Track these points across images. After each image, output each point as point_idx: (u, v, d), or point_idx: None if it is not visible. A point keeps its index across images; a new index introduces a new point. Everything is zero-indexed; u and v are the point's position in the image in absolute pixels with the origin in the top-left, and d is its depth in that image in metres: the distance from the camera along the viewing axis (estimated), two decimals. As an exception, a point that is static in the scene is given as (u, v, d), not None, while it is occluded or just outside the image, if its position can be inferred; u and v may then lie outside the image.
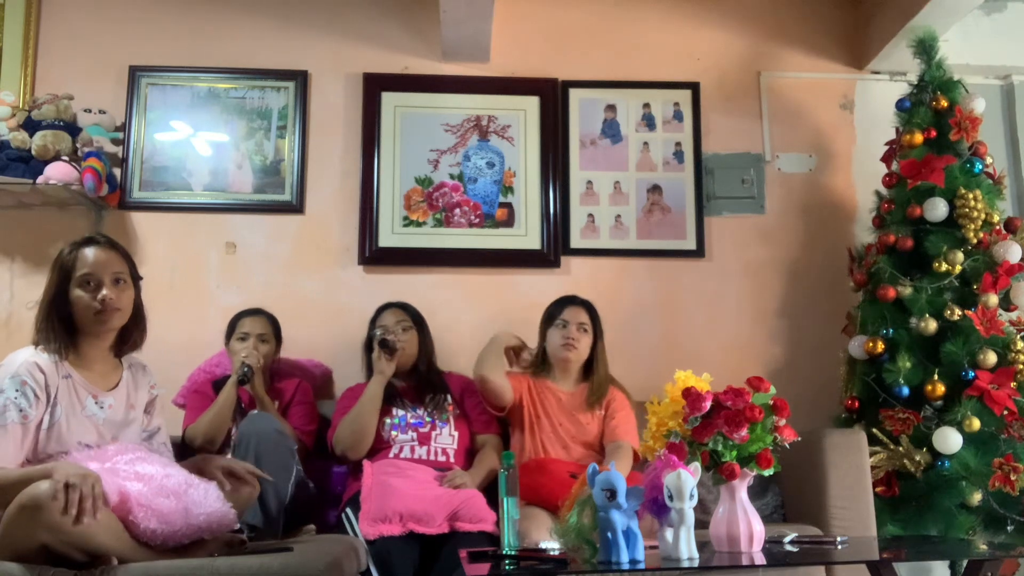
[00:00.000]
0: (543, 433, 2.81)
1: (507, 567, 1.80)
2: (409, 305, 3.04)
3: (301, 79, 3.46)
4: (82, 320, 2.05)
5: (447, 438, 2.82)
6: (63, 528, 1.74)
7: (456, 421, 2.87)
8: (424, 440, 2.79)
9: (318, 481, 2.77)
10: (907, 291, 3.00)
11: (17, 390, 1.93)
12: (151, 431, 2.23)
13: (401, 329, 2.94)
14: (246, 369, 2.77)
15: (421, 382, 2.95)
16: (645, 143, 3.55)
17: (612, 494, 1.66)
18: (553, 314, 2.94)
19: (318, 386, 3.16)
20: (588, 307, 2.95)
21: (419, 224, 3.41)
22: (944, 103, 3.14)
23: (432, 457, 2.76)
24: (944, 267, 2.95)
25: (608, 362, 2.96)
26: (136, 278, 2.15)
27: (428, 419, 2.84)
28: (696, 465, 1.80)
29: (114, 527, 1.83)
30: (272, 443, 2.46)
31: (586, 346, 2.90)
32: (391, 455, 2.74)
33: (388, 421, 2.80)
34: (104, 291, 2.04)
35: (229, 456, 2.41)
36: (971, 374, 2.83)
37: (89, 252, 2.07)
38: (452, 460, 2.78)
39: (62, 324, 2.04)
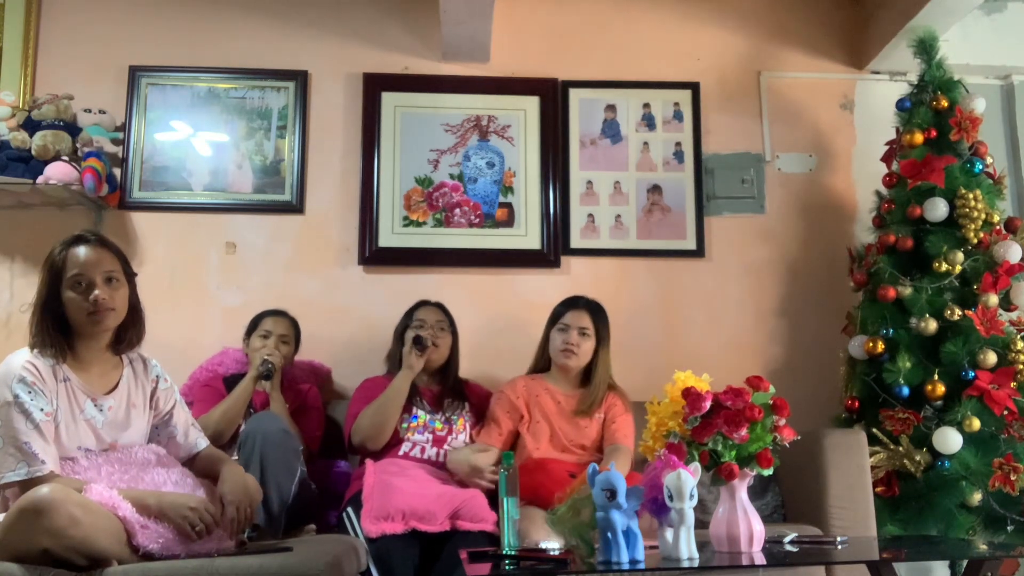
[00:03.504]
0: (541, 435, 2.80)
1: (507, 567, 1.80)
2: (446, 308, 3.02)
3: (301, 79, 3.46)
4: (76, 321, 2.02)
5: (461, 444, 2.81)
6: (64, 533, 1.74)
7: (471, 429, 2.87)
8: (439, 443, 2.79)
9: (319, 481, 2.77)
10: (907, 291, 3.00)
11: (28, 392, 1.92)
12: (160, 423, 2.18)
13: (439, 328, 2.94)
14: (269, 365, 2.78)
15: (444, 388, 2.95)
16: (645, 143, 3.55)
17: (612, 494, 1.66)
18: (557, 315, 2.91)
19: (321, 387, 3.15)
20: (593, 310, 2.89)
21: (419, 224, 3.41)
22: (944, 103, 3.14)
23: (442, 459, 2.77)
24: (944, 267, 2.95)
25: (611, 368, 2.91)
26: (130, 275, 2.11)
27: (445, 423, 2.84)
28: (696, 465, 1.80)
29: (115, 531, 1.83)
30: (277, 442, 2.45)
31: (587, 351, 2.85)
32: (401, 452, 2.74)
33: (406, 418, 2.80)
34: (96, 291, 2.00)
35: (235, 457, 2.40)
36: (971, 374, 2.84)
37: (79, 252, 2.03)
38: None
39: (56, 326, 2.01)
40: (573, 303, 2.91)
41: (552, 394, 2.87)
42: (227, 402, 2.73)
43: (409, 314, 2.98)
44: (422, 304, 3.00)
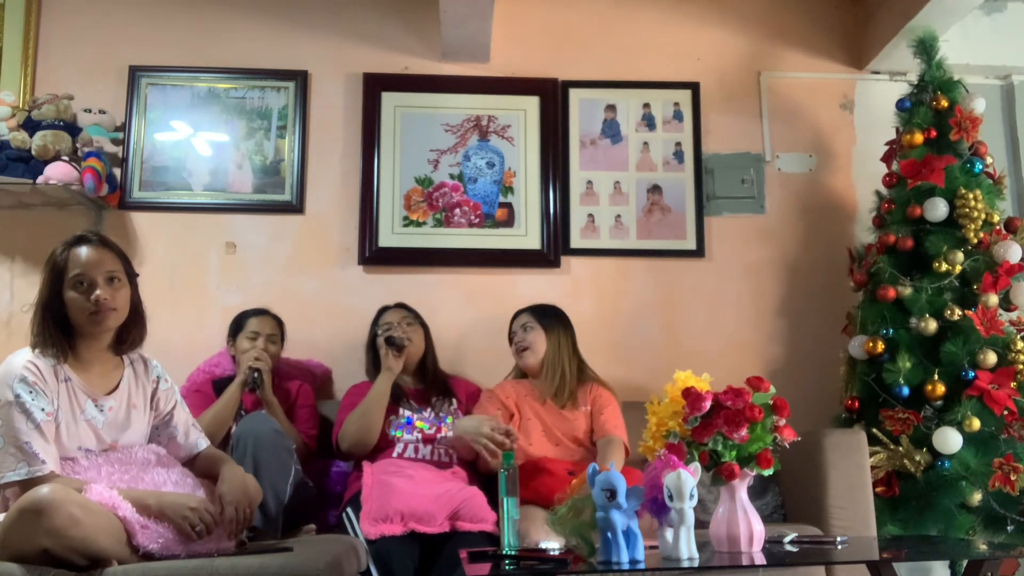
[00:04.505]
0: (533, 430, 2.83)
1: (507, 567, 1.80)
2: (408, 305, 3.06)
3: (301, 79, 3.46)
4: (78, 321, 2.02)
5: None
6: (64, 533, 1.74)
7: None
8: (428, 441, 2.79)
9: (317, 481, 2.76)
10: (907, 291, 3.00)
11: (30, 392, 1.92)
12: (160, 424, 2.19)
13: (406, 324, 2.96)
14: (255, 375, 2.76)
15: (428, 384, 2.97)
16: (645, 143, 3.55)
17: (612, 494, 1.66)
18: (509, 331, 3.03)
19: (318, 386, 3.16)
20: (532, 309, 3.00)
21: (419, 224, 3.41)
22: (944, 103, 3.14)
23: (435, 457, 2.77)
24: (944, 267, 2.95)
25: (580, 358, 2.97)
26: (132, 275, 2.12)
27: (434, 420, 2.84)
28: (696, 465, 1.80)
29: (115, 531, 1.83)
30: (269, 443, 2.45)
31: (536, 341, 2.92)
32: (395, 454, 2.74)
33: (393, 420, 2.81)
34: (98, 291, 2.00)
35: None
36: (971, 374, 2.84)
37: (81, 252, 2.03)
38: (455, 460, 2.79)
39: (58, 326, 2.01)
40: (515, 314, 3.04)
41: (534, 393, 2.92)
42: (215, 408, 2.73)
43: (375, 323, 3.02)
44: (384, 309, 3.05)
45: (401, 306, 3.05)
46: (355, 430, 2.75)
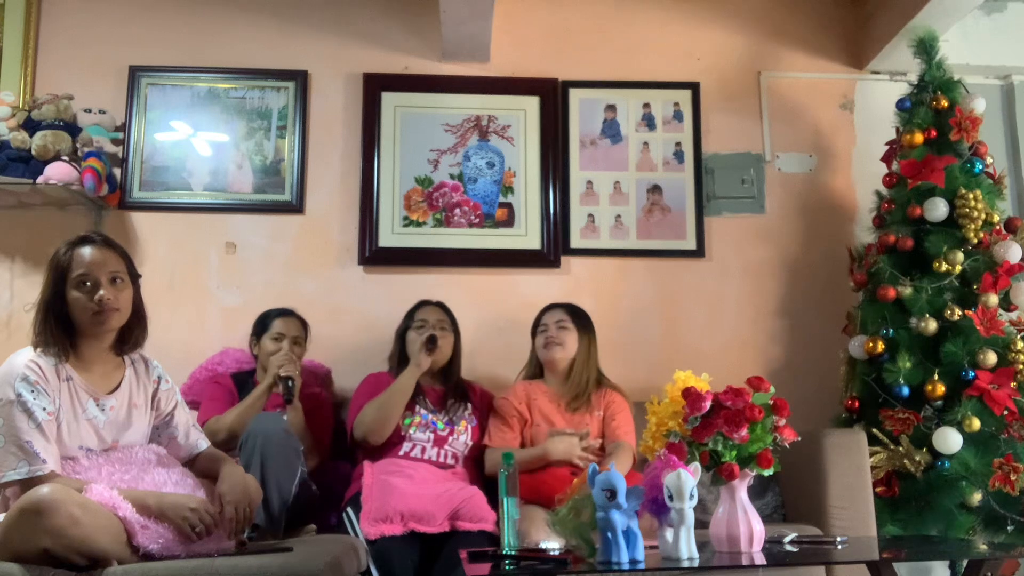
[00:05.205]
0: (540, 436, 2.81)
1: (507, 567, 1.80)
2: (447, 307, 3.02)
3: (301, 79, 3.46)
4: (80, 321, 2.02)
5: (461, 445, 2.82)
6: (65, 533, 1.74)
7: (473, 431, 2.87)
8: (439, 443, 2.79)
9: (320, 481, 2.76)
10: (907, 291, 3.00)
11: (32, 391, 1.92)
12: (161, 424, 2.19)
13: (440, 327, 2.94)
14: (290, 384, 2.70)
15: (447, 388, 2.95)
16: (645, 143, 3.55)
17: (612, 494, 1.66)
18: (537, 322, 3.00)
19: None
20: (568, 308, 2.98)
21: (419, 224, 3.41)
22: (944, 103, 3.14)
23: (442, 459, 2.77)
24: (944, 267, 2.95)
25: (599, 364, 2.96)
26: (134, 276, 2.12)
27: (447, 423, 2.84)
28: (696, 465, 1.80)
29: (115, 531, 1.83)
30: (278, 442, 2.44)
31: (569, 340, 2.91)
32: (402, 452, 2.74)
33: (408, 416, 2.80)
34: (101, 291, 2.01)
35: (238, 459, 2.39)
36: (971, 374, 2.84)
37: (85, 252, 2.04)
38: (460, 465, 2.79)
39: (60, 326, 2.01)
40: (548, 307, 3.02)
41: (548, 395, 2.90)
42: (241, 407, 2.69)
43: (410, 314, 2.98)
44: (423, 304, 3.00)
45: (440, 306, 3.01)
46: (373, 419, 2.73)
